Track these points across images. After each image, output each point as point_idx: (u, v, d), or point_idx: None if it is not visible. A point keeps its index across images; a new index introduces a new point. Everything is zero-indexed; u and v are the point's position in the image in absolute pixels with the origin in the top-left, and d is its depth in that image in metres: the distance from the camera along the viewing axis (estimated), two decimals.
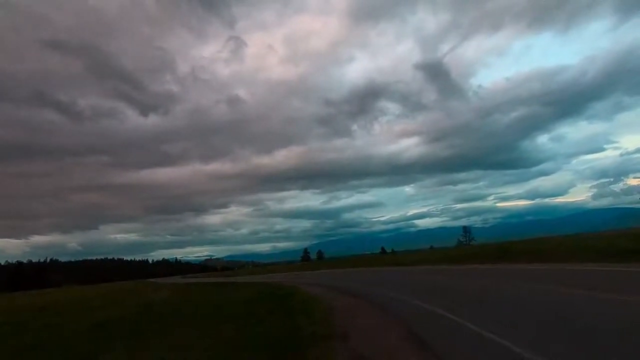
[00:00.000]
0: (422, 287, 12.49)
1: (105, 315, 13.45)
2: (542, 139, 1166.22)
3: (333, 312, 8.68)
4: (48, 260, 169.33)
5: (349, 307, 9.30)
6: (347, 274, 26.23)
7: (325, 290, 15.45)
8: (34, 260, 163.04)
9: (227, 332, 7.21)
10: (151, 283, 52.68)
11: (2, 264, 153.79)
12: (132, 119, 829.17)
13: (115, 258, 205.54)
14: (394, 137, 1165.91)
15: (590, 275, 10.34)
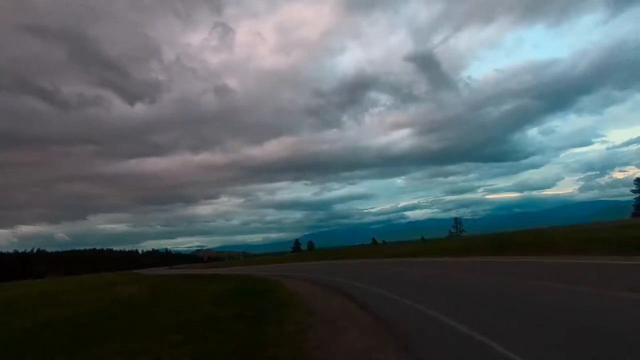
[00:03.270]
0: (428, 286, 10.25)
1: (50, 315, 11.66)
2: (532, 132, 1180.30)
3: (312, 319, 6.91)
4: (35, 250, 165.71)
5: (333, 312, 7.52)
6: (336, 267, 24.62)
7: (309, 286, 13.75)
8: (20, 251, 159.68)
9: (161, 351, 5.43)
10: (134, 275, 50.71)
11: None
12: (119, 108, 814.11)
13: (104, 249, 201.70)
14: (385, 128, 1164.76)
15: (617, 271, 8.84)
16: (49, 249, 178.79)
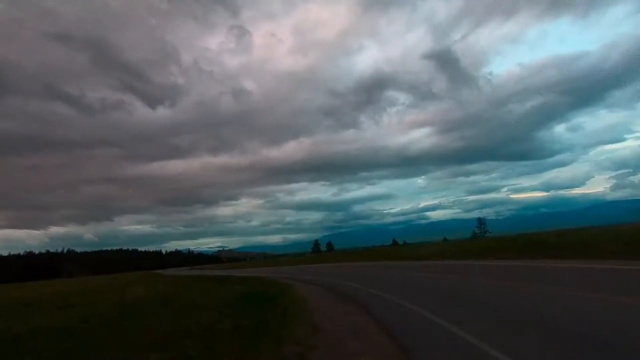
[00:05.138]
0: (459, 296, 8.51)
1: (47, 320, 11.12)
2: (559, 129, 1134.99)
3: (317, 337, 5.76)
4: (65, 250, 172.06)
5: (343, 329, 6.33)
6: (353, 270, 23.38)
7: (322, 292, 12.61)
8: (51, 251, 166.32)
9: None
10: (152, 275, 51.05)
11: (22, 254, 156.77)
12: (140, 111, 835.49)
13: (130, 249, 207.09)
14: (404, 128, 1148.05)
15: None
16: (78, 249, 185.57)
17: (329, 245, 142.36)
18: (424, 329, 5.70)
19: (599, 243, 15.35)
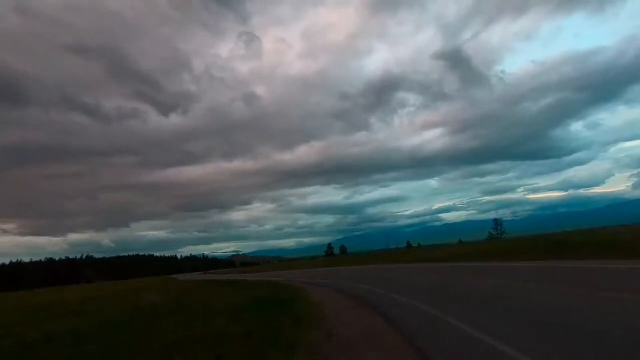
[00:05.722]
0: (483, 301, 7.42)
1: (61, 326, 11.14)
2: (576, 127, 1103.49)
3: (330, 343, 5.46)
4: (84, 257, 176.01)
5: (358, 334, 6.01)
6: (367, 273, 22.97)
7: (335, 295, 12.29)
8: (71, 257, 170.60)
9: None
10: (168, 280, 51.52)
11: (43, 260, 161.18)
12: (154, 119, 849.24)
13: (147, 254, 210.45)
14: (415, 129, 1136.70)
15: None
16: (97, 255, 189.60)
17: (343, 249, 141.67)
18: (449, 337, 5.33)
19: (627, 242, 14.64)
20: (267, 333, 6.89)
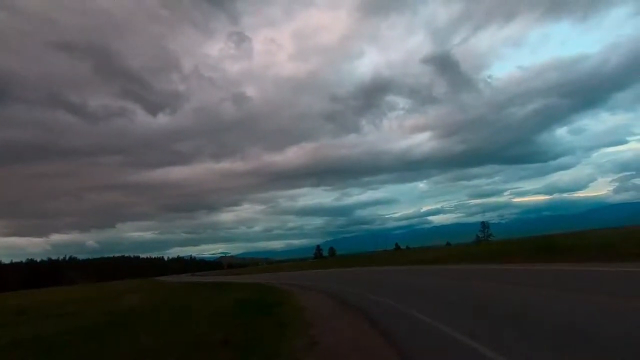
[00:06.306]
0: (489, 309, 6.65)
1: (32, 331, 10.46)
2: (561, 132, 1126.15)
3: (313, 353, 5.00)
4: (67, 258, 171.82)
5: (345, 343, 5.56)
6: (355, 275, 22.58)
7: (322, 299, 11.84)
8: (53, 258, 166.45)
9: None
10: (152, 282, 50.34)
11: (24, 261, 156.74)
12: (142, 119, 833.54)
13: (132, 256, 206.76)
14: (404, 132, 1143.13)
15: None
16: (80, 256, 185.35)
17: (331, 251, 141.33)
18: (441, 347, 4.92)
19: (614, 245, 14.56)
20: (246, 341, 6.40)
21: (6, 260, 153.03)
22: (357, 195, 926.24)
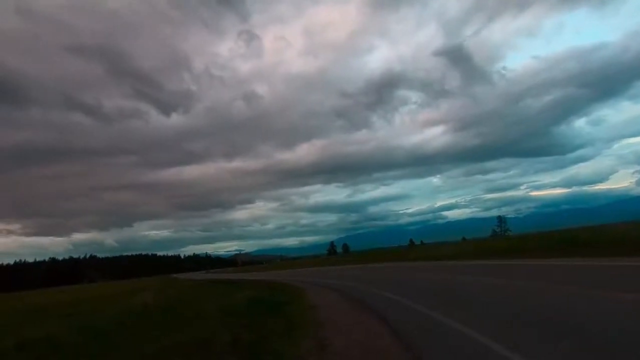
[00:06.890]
0: (522, 313, 5.70)
1: (42, 331, 10.43)
2: (580, 123, 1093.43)
3: (322, 358, 4.69)
4: (88, 256, 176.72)
5: (357, 348, 5.20)
6: (369, 272, 22.20)
7: (334, 297, 11.52)
8: (74, 257, 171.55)
9: None
10: (167, 280, 51.05)
11: (46, 260, 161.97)
12: (155, 119, 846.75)
13: (149, 254, 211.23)
14: (417, 126, 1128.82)
15: None
16: (100, 255, 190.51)
17: (345, 247, 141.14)
18: (458, 348, 4.54)
19: (636, 239, 13.81)
20: (255, 342, 6.14)
21: (30, 259, 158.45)
22: (369, 192, 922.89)
